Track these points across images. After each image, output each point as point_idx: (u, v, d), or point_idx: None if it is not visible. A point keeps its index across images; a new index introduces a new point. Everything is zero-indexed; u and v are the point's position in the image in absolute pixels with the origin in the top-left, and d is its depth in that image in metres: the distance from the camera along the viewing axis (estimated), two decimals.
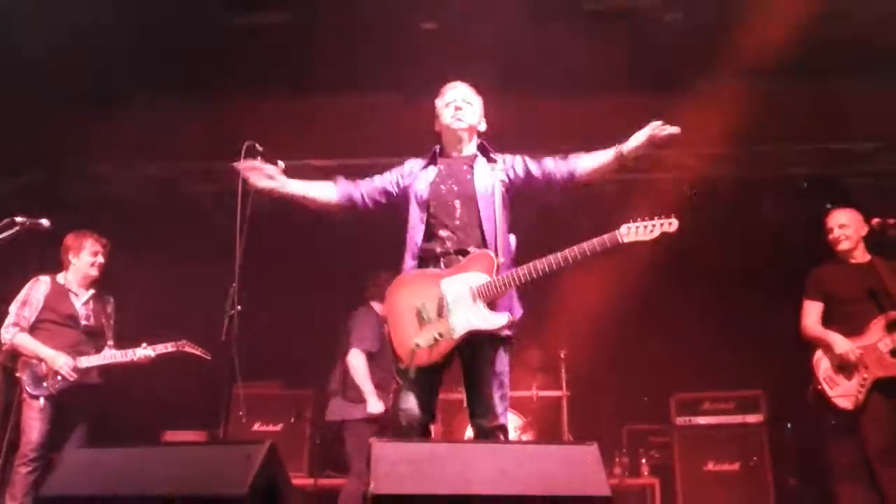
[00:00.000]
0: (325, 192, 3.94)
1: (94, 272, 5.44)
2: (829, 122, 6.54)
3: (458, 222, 3.68)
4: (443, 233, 3.69)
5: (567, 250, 3.48)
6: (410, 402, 3.57)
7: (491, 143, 3.93)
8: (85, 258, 5.41)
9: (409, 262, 3.74)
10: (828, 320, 5.07)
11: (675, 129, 3.62)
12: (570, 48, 5.59)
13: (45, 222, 4.66)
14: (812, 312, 5.12)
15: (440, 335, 3.49)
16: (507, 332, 3.59)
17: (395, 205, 3.90)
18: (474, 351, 3.58)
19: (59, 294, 5.33)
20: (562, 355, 6.80)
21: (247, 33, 5.89)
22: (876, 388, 4.77)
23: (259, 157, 3.84)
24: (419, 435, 3.54)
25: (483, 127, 3.96)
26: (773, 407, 6.40)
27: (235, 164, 3.80)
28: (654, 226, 3.49)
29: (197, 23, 5.74)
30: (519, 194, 3.83)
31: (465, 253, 3.64)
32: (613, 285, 7.11)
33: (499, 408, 3.57)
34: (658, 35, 5.58)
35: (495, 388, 3.57)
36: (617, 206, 6.45)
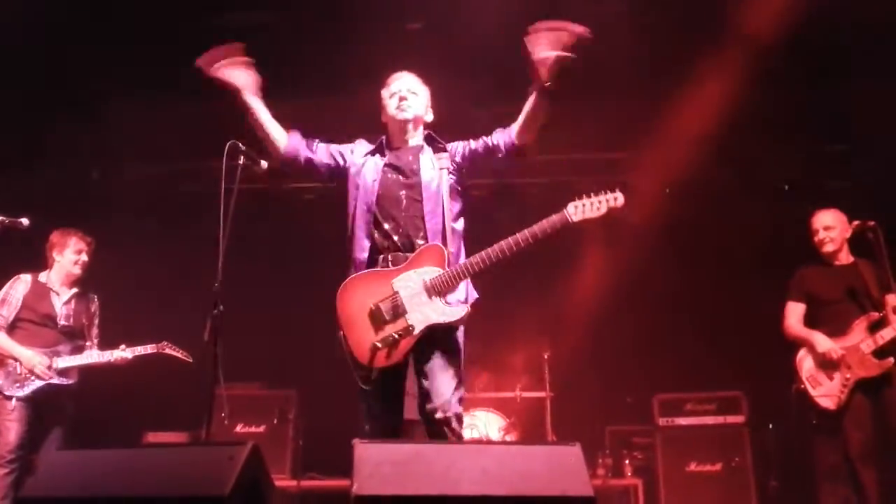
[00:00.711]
0: (278, 133, 3.85)
1: (78, 270, 5.38)
2: (810, 124, 6.58)
3: (403, 214, 3.63)
4: (387, 225, 3.62)
5: (518, 234, 3.46)
6: (377, 410, 3.56)
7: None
8: (69, 256, 5.35)
9: (356, 255, 3.66)
10: (811, 321, 5.11)
11: (578, 28, 3.39)
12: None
13: (24, 221, 4.63)
14: (794, 312, 5.17)
15: (399, 334, 3.44)
16: (465, 322, 3.54)
17: (337, 177, 3.85)
18: (429, 342, 3.52)
19: (39, 293, 5.27)
20: (545, 356, 6.80)
21: (231, 32, 5.86)
22: (858, 388, 4.82)
23: (242, 157, 3.79)
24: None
25: (430, 118, 3.91)
26: (754, 408, 6.43)
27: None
28: (600, 202, 3.48)
29: (181, 21, 5.71)
30: (470, 175, 3.80)
31: (411, 247, 3.59)
32: (596, 287, 7.14)
33: (454, 397, 3.50)
34: (637, 39, 5.59)
35: (451, 376, 3.51)
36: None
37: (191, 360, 5.35)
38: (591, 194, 3.50)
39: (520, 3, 5.28)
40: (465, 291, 3.62)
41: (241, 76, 3.77)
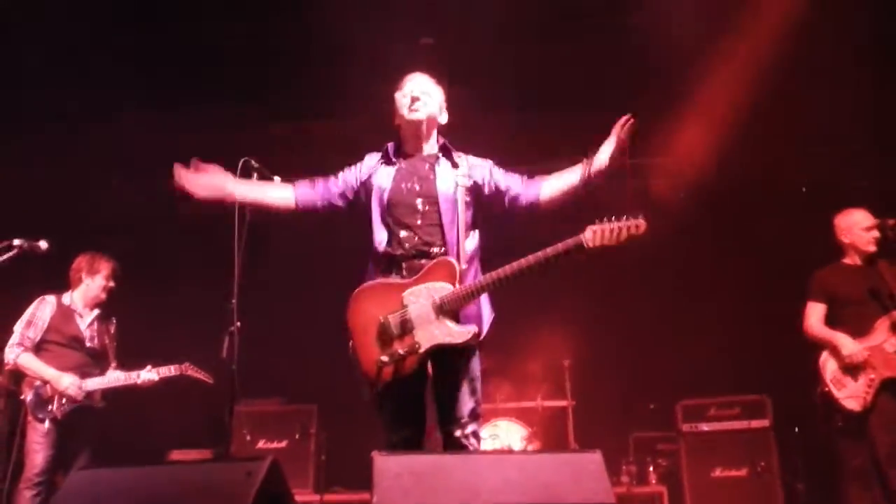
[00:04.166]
0: (282, 197, 3.78)
1: (104, 295, 5.45)
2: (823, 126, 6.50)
3: (419, 221, 3.54)
4: (404, 233, 3.53)
5: (531, 256, 3.34)
6: (394, 419, 3.48)
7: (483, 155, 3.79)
8: (99, 281, 5.42)
9: (372, 265, 3.62)
10: (832, 321, 5.05)
11: (628, 122, 3.49)
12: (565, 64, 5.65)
13: (43, 244, 4.66)
14: (815, 313, 5.10)
15: (405, 351, 3.34)
16: (473, 343, 3.43)
17: (357, 203, 3.75)
18: (443, 360, 3.45)
19: (65, 315, 5.32)
20: (566, 364, 6.78)
21: (247, 54, 5.93)
22: (883, 388, 4.75)
23: (255, 175, 3.79)
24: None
25: (444, 119, 3.80)
26: (778, 411, 6.36)
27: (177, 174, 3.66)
28: (620, 228, 3.32)
29: (198, 41, 5.76)
30: (480, 203, 3.68)
31: (426, 255, 3.49)
32: (615, 293, 7.11)
33: (470, 415, 3.45)
34: (649, 47, 5.59)
35: (467, 396, 3.45)
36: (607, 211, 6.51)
37: (211, 382, 5.40)
38: (613, 218, 3.34)
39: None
40: (481, 308, 3.54)
41: (220, 183, 3.69)
